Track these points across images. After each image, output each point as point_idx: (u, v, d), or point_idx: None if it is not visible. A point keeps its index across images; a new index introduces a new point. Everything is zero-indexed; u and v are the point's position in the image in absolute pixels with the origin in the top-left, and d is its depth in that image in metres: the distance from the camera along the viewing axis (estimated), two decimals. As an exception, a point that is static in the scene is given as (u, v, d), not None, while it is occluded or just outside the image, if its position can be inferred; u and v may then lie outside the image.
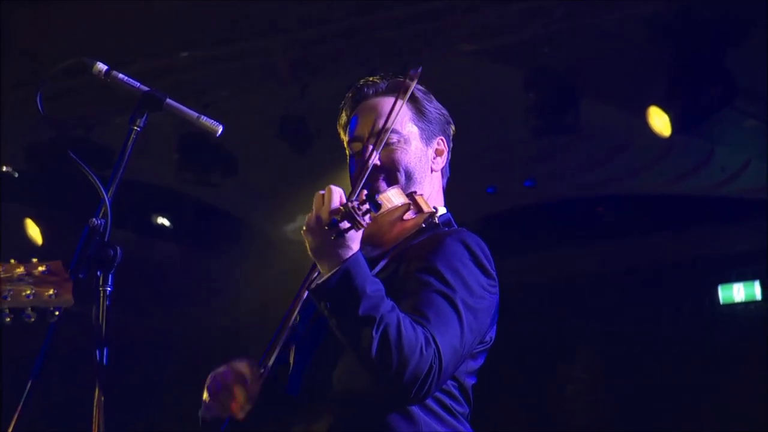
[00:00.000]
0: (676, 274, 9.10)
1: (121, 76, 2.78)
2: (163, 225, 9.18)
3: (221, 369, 2.80)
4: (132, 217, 8.64)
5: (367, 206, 2.54)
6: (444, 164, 3.04)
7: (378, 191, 2.81)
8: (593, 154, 8.18)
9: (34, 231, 8.28)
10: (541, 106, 6.71)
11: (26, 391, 2.50)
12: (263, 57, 7.21)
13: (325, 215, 2.57)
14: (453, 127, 3.09)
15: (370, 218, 2.59)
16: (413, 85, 2.94)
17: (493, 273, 2.77)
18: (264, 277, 8.43)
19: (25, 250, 8.07)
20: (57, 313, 2.32)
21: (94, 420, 2.48)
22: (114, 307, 2.54)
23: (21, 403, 2.51)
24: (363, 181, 2.81)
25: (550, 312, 9.34)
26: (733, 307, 9.00)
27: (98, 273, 2.55)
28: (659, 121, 6.62)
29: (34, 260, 2.32)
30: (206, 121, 2.78)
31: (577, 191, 8.86)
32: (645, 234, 9.01)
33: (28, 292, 2.29)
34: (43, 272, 2.31)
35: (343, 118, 3.05)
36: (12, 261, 2.31)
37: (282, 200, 8.88)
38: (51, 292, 2.31)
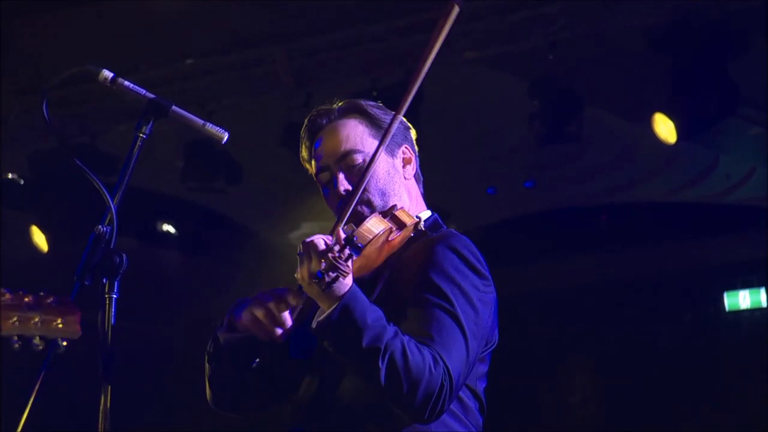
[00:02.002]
0: (682, 281, 9.09)
1: (126, 83, 2.77)
2: (168, 232, 9.18)
3: (259, 294, 2.82)
4: (137, 225, 8.64)
5: (347, 251, 2.52)
6: (415, 170, 3.01)
7: (362, 218, 2.76)
8: (597, 162, 8.18)
9: (39, 238, 8.26)
10: (545, 113, 6.70)
11: (30, 400, 2.50)
12: (267, 65, 7.22)
13: (312, 269, 2.56)
14: (414, 131, 3.05)
15: (352, 261, 2.57)
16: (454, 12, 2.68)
17: (486, 273, 2.75)
18: (268, 284, 8.41)
19: (30, 257, 8.08)
20: (65, 344, 2.34)
21: (99, 427, 2.48)
22: (119, 314, 2.55)
23: (26, 410, 2.51)
24: (347, 214, 2.74)
25: (553, 320, 9.32)
26: (738, 314, 9.00)
27: (104, 280, 2.56)
28: (665, 129, 6.61)
29: (42, 293, 2.35)
30: (212, 129, 2.78)
31: (581, 199, 8.85)
32: (650, 242, 9.01)
33: (36, 320, 2.32)
34: (51, 303, 2.34)
35: (304, 152, 3.01)
36: (20, 292, 2.34)
37: (286, 208, 8.87)
38: (58, 321, 2.34)
